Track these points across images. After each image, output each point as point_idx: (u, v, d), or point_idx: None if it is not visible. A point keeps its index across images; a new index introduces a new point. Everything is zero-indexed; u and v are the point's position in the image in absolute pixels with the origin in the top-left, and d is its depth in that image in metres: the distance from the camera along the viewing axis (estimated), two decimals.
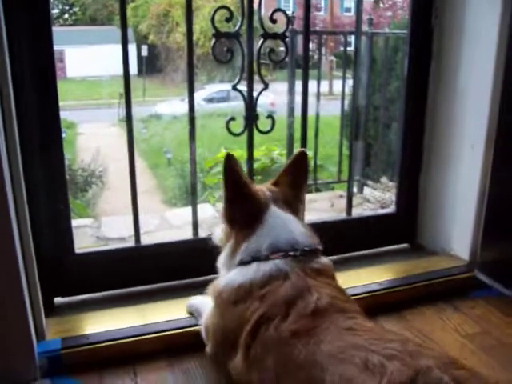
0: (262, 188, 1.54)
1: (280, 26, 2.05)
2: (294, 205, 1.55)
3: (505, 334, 1.87)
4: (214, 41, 1.91)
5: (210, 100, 13.17)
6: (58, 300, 1.91)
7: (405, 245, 2.44)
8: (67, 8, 25.10)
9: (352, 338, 1.15)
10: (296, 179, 1.57)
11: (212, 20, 1.89)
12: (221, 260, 1.56)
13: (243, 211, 1.48)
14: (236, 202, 1.49)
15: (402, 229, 2.43)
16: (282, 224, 1.46)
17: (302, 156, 1.58)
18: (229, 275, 1.47)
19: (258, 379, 1.28)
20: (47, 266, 1.79)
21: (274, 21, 1.97)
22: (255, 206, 1.47)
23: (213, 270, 2.06)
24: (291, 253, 1.41)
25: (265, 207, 1.48)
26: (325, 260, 1.47)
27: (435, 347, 1.63)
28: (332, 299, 1.30)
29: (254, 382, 1.29)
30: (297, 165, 1.58)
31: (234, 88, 1.98)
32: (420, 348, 1.12)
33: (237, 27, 1.93)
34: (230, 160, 1.46)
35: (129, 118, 1.91)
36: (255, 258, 1.42)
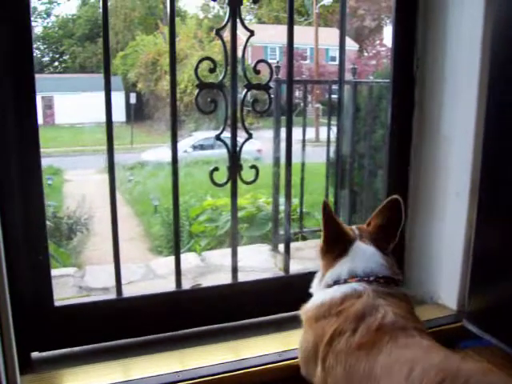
0: (353, 227, 1.72)
1: (265, 75, 2.07)
2: (381, 242, 1.68)
3: None
4: (197, 91, 1.92)
5: (197, 147, 13.26)
6: (35, 355, 1.84)
7: None
8: (57, 56, 25.46)
9: (403, 353, 1.31)
10: (386, 223, 1.71)
11: (195, 71, 1.90)
12: (313, 286, 1.74)
13: (335, 247, 1.66)
14: (331, 242, 1.67)
15: None
16: (362, 254, 1.63)
17: (393, 203, 1.71)
18: (315, 297, 1.66)
19: None
20: (24, 318, 1.73)
21: (257, 71, 1.99)
22: (344, 242, 1.65)
23: (196, 323, 2.05)
24: (366, 278, 1.57)
25: (351, 242, 1.65)
26: (400, 289, 1.61)
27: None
28: (396, 317, 1.43)
29: None
30: (387, 210, 1.72)
31: (218, 138, 1.98)
32: (459, 359, 1.27)
33: (220, 78, 1.94)
34: (327, 208, 1.63)
35: (111, 167, 1.88)
36: (336, 282, 1.60)
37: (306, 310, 1.64)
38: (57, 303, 1.86)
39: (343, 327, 1.45)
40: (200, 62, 1.90)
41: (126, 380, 1.71)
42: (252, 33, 1.96)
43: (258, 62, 1.99)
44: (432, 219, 2.27)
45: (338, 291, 1.56)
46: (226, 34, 1.98)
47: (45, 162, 1.78)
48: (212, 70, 1.91)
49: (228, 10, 1.92)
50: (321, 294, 1.63)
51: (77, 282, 3.55)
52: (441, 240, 2.24)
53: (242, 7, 1.94)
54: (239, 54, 1.99)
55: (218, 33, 1.93)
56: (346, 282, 1.58)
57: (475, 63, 2.00)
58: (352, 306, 1.49)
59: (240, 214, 4.26)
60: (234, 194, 2.07)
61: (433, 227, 2.27)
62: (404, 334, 1.38)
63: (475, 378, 1.16)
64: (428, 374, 1.18)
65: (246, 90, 1.99)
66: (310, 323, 1.61)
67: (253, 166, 2.06)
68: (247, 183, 2.05)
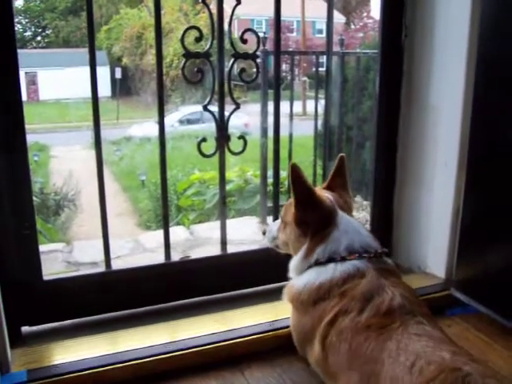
0: (325, 193, 1.65)
1: (252, 47, 2.05)
2: (349, 207, 1.68)
3: (482, 352, 1.85)
4: (184, 61, 1.89)
5: (184, 122, 13.17)
6: (25, 329, 1.85)
7: None
8: (40, 30, 25.01)
9: (414, 343, 1.27)
10: (343, 182, 1.73)
11: (182, 40, 1.87)
12: (293, 263, 1.66)
13: (315, 216, 1.58)
14: (306, 208, 1.59)
15: None
16: (353, 228, 1.59)
17: (342, 160, 1.74)
18: (306, 276, 1.57)
19: (333, 362, 1.42)
20: (14, 293, 1.73)
21: (244, 41, 1.96)
22: (326, 211, 1.59)
23: (186, 294, 2.05)
24: (365, 254, 1.53)
25: (334, 212, 1.59)
26: (390, 261, 1.61)
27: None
28: (403, 300, 1.41)
29: (330, 366, 1.43)
30: (341, 168, 1.74)
31: (205, 108, 1.96)
32: (466, 359, 1.22)
33: (207, 47, 1.92)
34: (295, 171, 1.55)
35: (98, 143, 1.86)
36: (331, 259, 1.53)
37: (298, 292, 1.57)
38: (46, 277, 1.86)
39: (348, 307, 1.42)
40: (186, 31, 1.87)
41: (115, 352, 1.71)
42: (239, 1, 1.93)
43: (245, 31, 1.96)
44: (420, 189, 2.27)
45: (338, 270, 1.50)
46: (213, 7, 1.95)
47: (30, 139, 1.76)
48: (198, 40, 1.88)
49: None
50: (314, 273, 1.55)
51: (65, 257, 3.55)
52: (429, 210, 2.25)
53: None
54: (225, 26, 1.97)
55: (205, 1, 1.90)
56: (344, 259, 1.52)
57: (465, 31, 1.98)
58: (356, 286, 1.45)
59: (228, 186, 4.24)
60: (222, 165, 2.06)
61: (421, 197, 2.27)
62: (414, 321, 1.35)
63: (471, 377, 1.14)
64: (428, 368, 1.18)
65: (233, 59, 1.97)
66: (304, 308, 1.55)
67: (241, 137, 2.05)
68: (235, 154, 2.04)
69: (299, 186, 1.57)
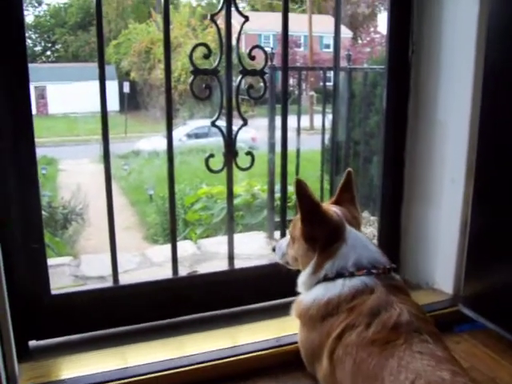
0: (333, 208, 1.64)
1: (259, 63, 2.06)
2: (357, 222, 1.67)
3: (490, 368, 1.84)
4: (192, 78, 1.91)
5: (192, 136, 13.21)
6: (32, 343, 1.85)
7: None
8: (49, 45, 25.26)
9: (415, 362, 1.26)
10: (351, 196, 1.72)
11: (190, 57, 1.89)
12: (302, 279, 1.65)
13: (323, 231, 1.57)
14: (313, 223, 1.58)
15: None
16: (361, 243, 1.58)
17: (350, 175, 1.74)
18: (314, 292, 1.56)
19: (340, 377, 1.41)
20: (21, 307, 1.74)
21: (252, 57, 1.98)
22: (333, 226, 1.58)
23: (193, 309, 2.05)
24: (374, 270, 1.52)
25: (342, 227, 1.58)
26: (398, 277, 1.59)
27: None
28: (411, 317, 1.39)
29: (337, 381, 1.42)
30: (349, 183, 1.73)
31: (213, 124, 1.98)
32: (466, 379, 1.21)
33: (215, 64, 1.93)
34: (300, 186, 1.54)
35: (107, 157, 1.87)
36: (340, 275, 1.52)
37: (306, 308, 1.56)
38: (54, 291, 1.87)
39: (356, 322, 1.41)
40: (195, 48, 1.89)
41: (123, 367, 1.72)
42: (247, 18, 1.95)
43: (253, 47, 1.97)
44: (428, 205, 2.27)
45: (347, 286, 1.49)
46: (220, 22, 1.96)
47: (39, 152, 1.78)
48: (206, 56, 1.90)
49: None
50: (322, 289, 1.54)
51: (73, 271, 3.54)
52: (436, 226, 2.24)
53: None
54: (233, 41, 1.98)
55: (213, 18, 1.91)
56: (352, 274, 1.51)
57: (471, 47, 1.99)
58: (365, 302, 1.44)
59: (235, 201, 4.24)
60: (229, 181, 2.07)
61: (428, 213, 2.27)
62: (419, 339, 1.33)
63: None
64: None
65: (240, 75, 1.98)
66: (313, 323, 1.54)
67: (248, 153, 2.06)
68: (243, 169, 2.05)
69: (305, 201, 1.56)
